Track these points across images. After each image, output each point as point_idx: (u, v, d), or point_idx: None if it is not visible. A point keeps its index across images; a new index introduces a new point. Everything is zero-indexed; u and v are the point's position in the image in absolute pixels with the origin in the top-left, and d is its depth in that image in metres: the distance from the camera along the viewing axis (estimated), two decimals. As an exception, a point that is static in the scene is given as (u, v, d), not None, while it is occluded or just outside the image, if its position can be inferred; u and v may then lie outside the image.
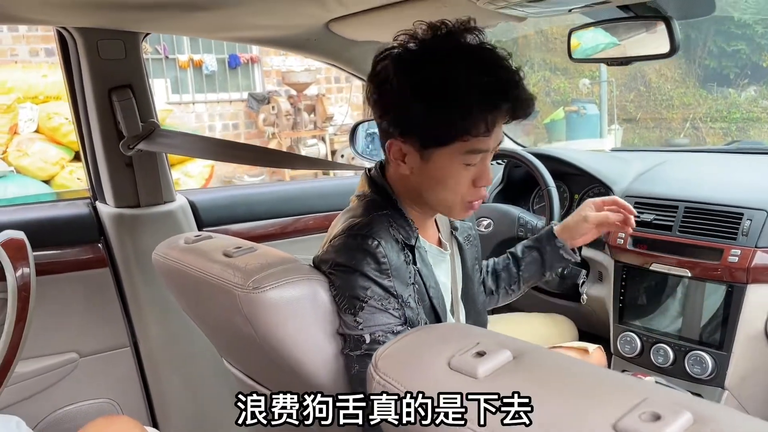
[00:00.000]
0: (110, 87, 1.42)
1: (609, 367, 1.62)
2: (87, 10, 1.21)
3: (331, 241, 1.10)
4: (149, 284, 1.52)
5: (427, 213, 1.16)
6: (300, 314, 1.04)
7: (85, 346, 1.57)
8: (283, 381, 1.18)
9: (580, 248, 1.36)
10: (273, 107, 7.13)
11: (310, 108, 7.26)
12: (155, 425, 1.65)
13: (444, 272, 1.20)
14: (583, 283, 1.72)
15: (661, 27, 1.16)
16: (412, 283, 1.08)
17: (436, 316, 1.14)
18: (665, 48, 1.17)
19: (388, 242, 1.05)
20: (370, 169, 1.18)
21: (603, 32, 1.49)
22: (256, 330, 1.06)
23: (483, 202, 1.27)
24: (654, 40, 1.21)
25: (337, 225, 1.13)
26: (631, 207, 1.28)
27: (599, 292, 1.71)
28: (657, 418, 0.49)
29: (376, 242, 1.03)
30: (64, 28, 1.36)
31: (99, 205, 1.60)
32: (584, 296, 1.71)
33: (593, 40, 1.50)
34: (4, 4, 1.13)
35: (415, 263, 1.09)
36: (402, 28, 1.06)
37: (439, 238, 1.23)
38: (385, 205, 1.10)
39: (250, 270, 1.04)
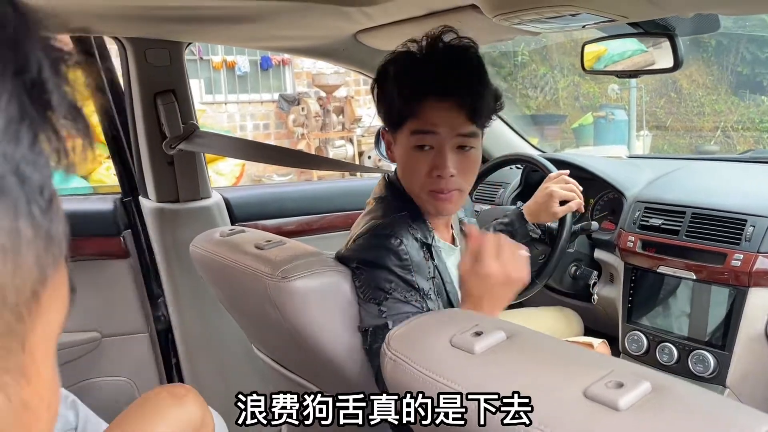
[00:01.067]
0: (155, 91, 1.55)
1: (616, 364, 1.70)
2: (137, 22, 1.33)
3: (355, 240, 1.21)
4: (185, 273, 1.64)
5: None
6: (323, 302, 1.14)
7: (106, 328, 1.73)
8: (306, 364, 1.28)
9: (545, 226, 1.67)
10: (303, 108, 7.28)
11: (339, 110, 7.39)
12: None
13: (453, 264, 1.31)
14: (594, 283, 1.79)
15: (666, 43, 1.24)
16: (432, 278, 1.18)
17: (452, 308, 1.25)
18: (669, 63, 1.25)
19: (408, 240, 1.16)
20: (388, 174, 1.29)
21: (632, 39, 1.56)
22: (283, 316, 1.16)
23: (486, 205, 1.37)
24: (660, 54, 1.29)
25: (360, 225, 1.24)
26: (575, 184, 1.57)
27: (610, 293, 1.79)
28: (620, 385, 0.58)
29: (398, 241, 1.14)
30: (116, 38, 1.50)
31: (141, 199, 1.73)
32: (595, 296, 1.79)
33: (622, 47, 1.58)
34: (64, 16, 1.25)
35: (433, 259, 1.20)
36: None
37: (452, 234, 1.33)
38: (402, 206, 1.21)
39: (279, 261, 1.15)
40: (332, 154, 7.27)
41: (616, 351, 1.70)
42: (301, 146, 7.29)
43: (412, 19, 1.44)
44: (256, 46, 1.95)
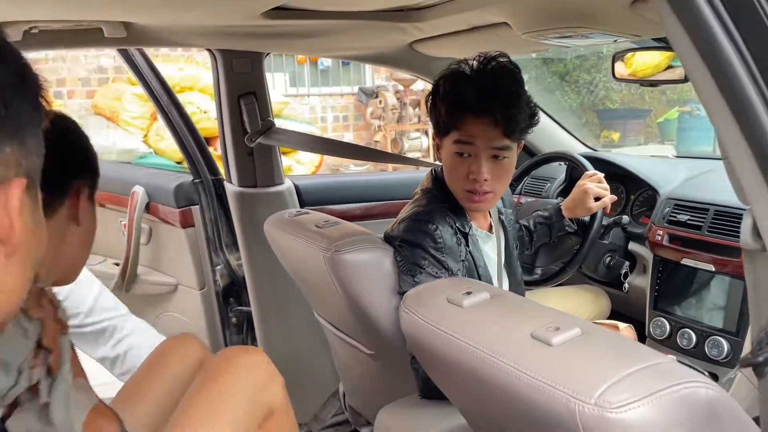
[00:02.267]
0: (239, 94, 1.84)
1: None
2: (226, 37, 1.62)
3: (399, 223, 1.45)
4: (261, 247, 1.92)
5: None
6: (368, 273, 1.38)
7: (180, 278, 2.12)
8: (355, 326, 1.52)
9: (580, 219, 1.82)
10: (380, 101, 7.54)
11: (416, 103, 7.60)
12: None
13: (490, 249, 1.52)
14: (626, 273, 1.94)
15: (679, 57, 1.38)
16: (462, 260, 1.40)
17: None
18: (681, 75, 1.39)
19: (444, 227, 1.38)
20: (435, 169, 1.51)
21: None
22: (335, 284, 1.41)
23: (521, 202, 1.57)
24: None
25: (405, 211, 1.48)
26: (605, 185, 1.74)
27: (642, 282, 1.93)
28: (557, 329, 0.78)
29: (435, 226, 1.37)
30: (209, 49, 1.80)
31: (226, 183, 2.03)
32: (626, 285, 1.94)
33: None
34: (168, 32, 1.55)
35: (468, 245, 1.42)
36: (471, 48, 1.47)
37: (490, 223, 1.54)
38: (444, 198, 1.44)
39: (333, 238, 1.40)
40: (407, 145, 7.51)
41: (642, 336, 1.84)
42: (378, 138, 7.56)
43: (457, 32, 1.65)
44: (325, 55, 2.22)
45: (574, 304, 1.90)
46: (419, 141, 7.54)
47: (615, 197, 1.78)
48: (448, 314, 0.91)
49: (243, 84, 1.84)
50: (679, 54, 0.55)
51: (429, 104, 1.45)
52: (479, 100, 1.33)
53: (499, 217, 1.57)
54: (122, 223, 2.17)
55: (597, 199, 1.74)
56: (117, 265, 2.22)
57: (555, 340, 0.76)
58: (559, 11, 1.20)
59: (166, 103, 2.02)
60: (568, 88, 9.13)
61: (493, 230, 1.54)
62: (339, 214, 2.05)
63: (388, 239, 1.44)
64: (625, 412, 0.66)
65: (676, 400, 0.68)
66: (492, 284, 1.48)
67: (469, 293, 0.93)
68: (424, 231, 1.38)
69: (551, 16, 1.22)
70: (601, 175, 1.78)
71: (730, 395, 0.75)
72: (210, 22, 1.46)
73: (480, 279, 1.43)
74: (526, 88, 1.41)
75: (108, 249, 2.27)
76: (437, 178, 1.49)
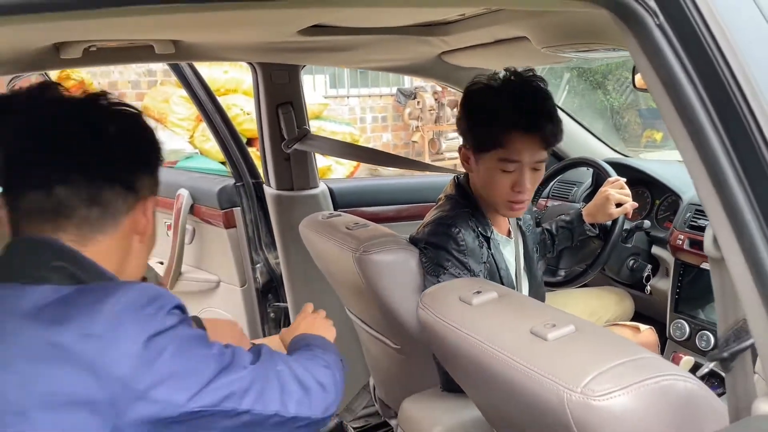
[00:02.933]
0: (277, 103, 1.96)
1: (662, 349, 1.90)
2: (266, 52, 1.74)
3: (424, 227, 1.55)
4: (296, 246, 2.04)
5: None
6: (394, 272, 1.48)
7: (221, 276, 2.24)
8: (382, 322, 1.62)
9: (603, 224, 1.87)
10: (418, 102, 7.63)
11: (453, 104, 7.66)
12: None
13: (509, 253, 1.60)
14: (648, 276, 1.99)
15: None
16: (484, 263, 1.49)
17: None
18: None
19: (466, 230, 1.47)
20: (458, 177, 1.60)
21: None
22: (364, 282, 1.51)
23: (543, 207, 1.65)
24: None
25: (430, 216, 1.58)
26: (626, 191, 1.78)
27: (664, 286, 1.98)
28: (554, 326, 0.87)
29: (457, 230, 1.46)
30: (250, 63, 1.93)
31: (265, 186, 2.16)
32: (648, 287, 1.99)
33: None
34: (213, 48, 1.69)
35: (490, 248, 1.50)
36: (496, 59, 1.63)
37: (508, 228, 1.62)
38: (467, 204, 1.53)
39: (362, 239, 1.50)
40: (445, 145, 7.58)
41: (663, 337, 1.90)
42: (416, 138, 7.66)
43: (482, 44, 1.73)
44: (358, 67, 2.33)
45: (598, 305, 1.96)
46: (457, 141, 7.58)
47: (636, 204, 1.84)
48: (459, 311, 1.00)
49: (281, 94, 1.96)
50: (647, 84, 0.63)
51: (463, 120, 1.50)
52: (528, 119, 1.39)
53: (518, 223, 1.65)
54: (166, 223, 2.31)
55: (619, 204, 1.80)
56: (161, 263, 2.37)
57: (550, 336, 0.85)
58: (572, 28, 1.28)
59: (211, 110, 2.15)
60: (611, 87, 9.05)
61: (512, 235, 1.62)
62: (371, 216, 2.15)
63: (414, 241, 1.54)
64: (607, 400, 0.74)
65: (656, 391, 0.76)
66: (513, 285, 1.56)
67: (478, 292, 1.02)
68: (447, 234, 1.47)
69: (566, 32, 1.29)
70: (623, 180, 1.83)
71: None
72: (251, 40, 1.59)
73: (501, 280, 1.52)
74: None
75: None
76: (460, 185, 1.57)
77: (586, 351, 0.83)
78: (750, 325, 0.62)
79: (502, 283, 1.52)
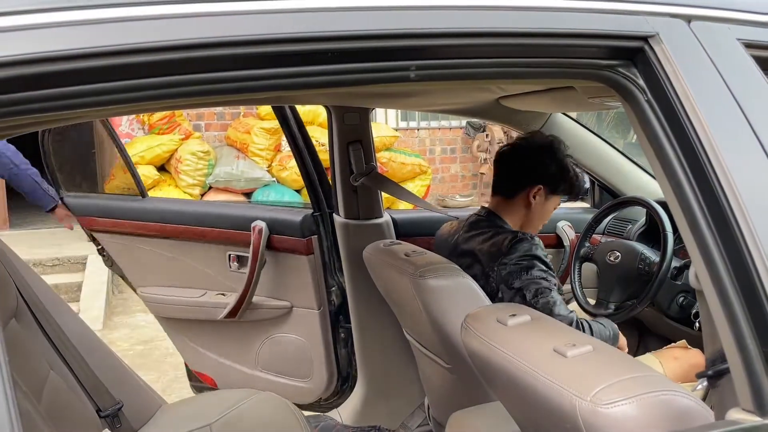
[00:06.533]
0: (348, 141, 2.17)
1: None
2: (341, 98, 1.97)
3: (503, 252, 1.80)
4: (361, 272, 2.22)
5: None
6: (447, 296, 1.64)
7: (295, 301, 2.40)
8: (437, 343, 1.78)
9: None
10: (487, 135, 7.77)
11: (522, 137, 7.75)
12: (352, 367, 2.41)
13: None
14: (696, 313, 2.05)
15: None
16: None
17: None
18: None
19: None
20: (485, 208, 1.94)
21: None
22: (420, 305, 1.68)
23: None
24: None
25: (485, 242, 1.79)
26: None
27: (713, 322, 2.03)
28: (574, 346, 1.01)
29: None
30: (326, 106, 2.17)
31: (335, 216, 2.37)
32: (696, 323, 2.05)
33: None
34: (299, 96, 1.93)
35: None
36: (550, 105, 1.90)
37: None
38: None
39: (419, 265, 1.67)
40: (513, 178, 7.66)
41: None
42: (484, 170, 7.78)
43: (536, 91, 1.89)
44: (421, 109, 2.53)
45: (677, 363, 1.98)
46: (525, 174, 7.66)
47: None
48: (495, 331, 1.16)
49: (352, 133, 2.18)
50: (640, 143, 0.77)
51: (553, 165, 1.87)
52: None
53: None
54: (228, 254, 2.39)
55: None
56: (223, 295, 2.42)
57: (569, 353, 0.99)
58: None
59: (301, 145, 2.31)
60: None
61: None
62: (428, 245, 2.33)
63: (496, 265, 1.78)
64: (612, 408, 0.88)
65: (656, 403, 0.89)
66: None
67: (513, 315, 1.17)
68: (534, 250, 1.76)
69: (602, 87, 1.43)
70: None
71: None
72: (332, 91, 1.82)
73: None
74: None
75: (208, 282, 2.44)
76: (493, 213, 1.91)
77: (599, 367, 0.96)
78: (723, 344, 0.75)
79: None
